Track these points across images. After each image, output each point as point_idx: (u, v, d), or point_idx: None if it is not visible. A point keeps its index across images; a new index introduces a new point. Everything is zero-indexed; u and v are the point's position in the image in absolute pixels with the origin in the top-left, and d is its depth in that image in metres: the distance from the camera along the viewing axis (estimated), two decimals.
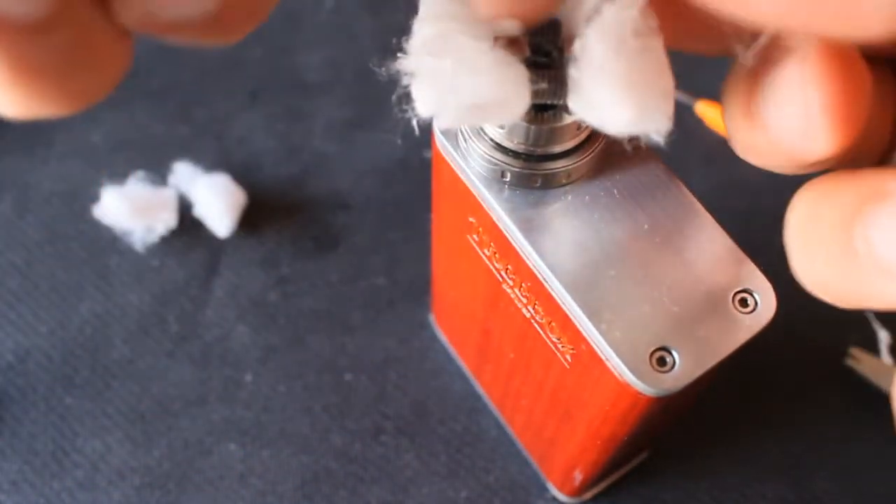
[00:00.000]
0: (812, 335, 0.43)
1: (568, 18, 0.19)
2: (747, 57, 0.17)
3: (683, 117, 0.48)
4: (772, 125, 0.18)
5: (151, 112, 0.49)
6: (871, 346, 0.42)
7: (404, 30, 0.19)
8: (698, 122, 0.47)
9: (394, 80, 0.19)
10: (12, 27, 0.13)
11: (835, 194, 0.17)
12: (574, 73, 0.18)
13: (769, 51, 0.17)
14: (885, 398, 0.41)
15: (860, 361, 0.42)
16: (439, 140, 0.25)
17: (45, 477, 0.39)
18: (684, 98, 0.48)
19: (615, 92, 0.18)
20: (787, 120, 0.17)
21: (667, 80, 0.18)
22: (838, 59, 0.16)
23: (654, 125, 0.18)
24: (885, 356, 0.42)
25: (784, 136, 0.18)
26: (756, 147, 0.19)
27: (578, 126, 0.22)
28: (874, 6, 0.14)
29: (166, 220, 0.45)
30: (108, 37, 0.15)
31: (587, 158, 0.23)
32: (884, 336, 0.42)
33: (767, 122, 0.18)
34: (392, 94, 0.19)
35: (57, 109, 0.15)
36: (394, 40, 0.19)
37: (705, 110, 0.47)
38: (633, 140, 0.19)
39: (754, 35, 0.17)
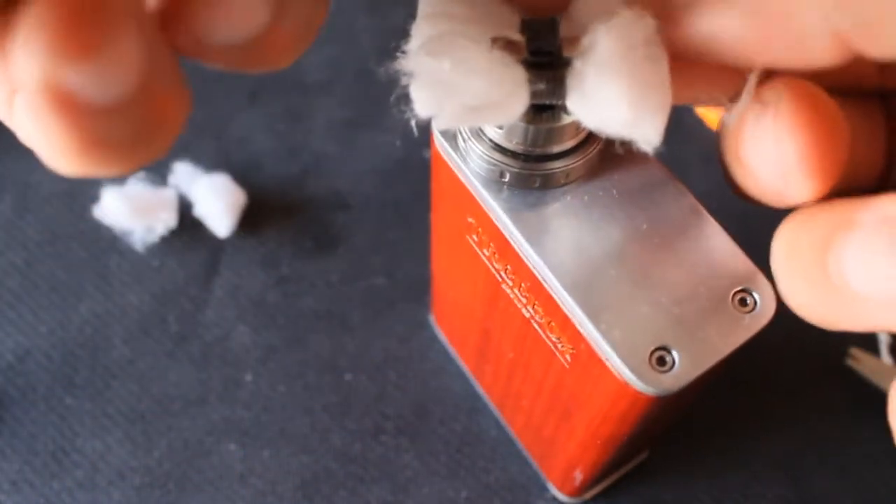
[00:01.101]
0: (812, 335, 0.42)
1: (572, 18, 0.20)
2: (731, 113, 0.19)
3: (683, 117, 0.48)
4: (757, 171, 0.19)
5: None
6: (871, 346, 0.42)
7: (404, 30, 0.19)
8: (698, 122, 0.47)
9: (394, 81, 0.19)
10: (91, 108, 0.13)
11: (810, 224, 0.18)
12: (578, 65, 0.19)
13: (751, 104, 0.19)
14: (885, 398, 0.41)
15: (860, 361, 0.42)
16: (438, 140, 0.25)
17: (45, 477, 0.39)
18: None
19: (617, 89, 0.18)
20: (768, 169, 0.19)
21: (665, 95, 0.18)
22: (811, 111, 0.18)
23: (646, 134, 0.18)
24: (885, 356, 0.42)
25: (768, 180, 0.19)
26: (747, 189, 0.20)
27: (577, 126, 0.22)
28: (816, 42, 0.16)
29: (166, 220, 0.45)
30: (174, 101, 0.15)
31: (586, 159, 0.23)
32: (884, 336, 0.42)
33: (753, 167, 0.19)
34: (392, 95, 0.19)
35: (115, 173, 0.15)
36: (393, 41, 0.19)
37: (705, 110, 0.47)
38: (626, 145, 0.19)
39: (737, 89, 0.19)
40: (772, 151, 0.18)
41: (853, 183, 0.20)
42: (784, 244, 0.19)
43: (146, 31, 0.13)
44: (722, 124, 0.20)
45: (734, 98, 0.19)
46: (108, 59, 0.13)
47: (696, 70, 0.19)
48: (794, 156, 0.18)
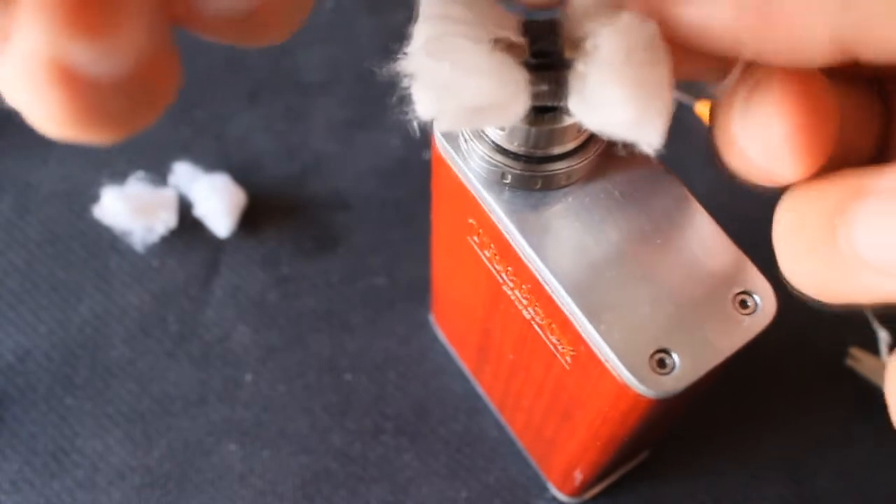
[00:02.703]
0: (812, 335, 0.43)
1: (573, 19, 0.19)
2: (720, 89, 0.19)
3: (683, 117, 0.47)
4: (746, 151, 0.19)
5: None
6: (871, 346, 0.42)
7: (404, 30, 0.19)
8: (698, 122, 0.47)
9: (394, 81, 0.19)
10: (92, 83, 0.13)
11: (817, 196, 0.18)
12: (580, 67, 0.18)
13: (740, 82, 0.18)
14: (886, 398, 0.41)
15: (860, 361, 0.42)
16: (439, 142, 0.25)
17: (45, 477, 0.39)
18: (684, 98, 0.48)
19: (619, 91, 0.18)
20: (756, 147, 0.18)
21: (666, 98, 0.18)
22: (800, 89, 0.18)
23: (648, 136, 0.18)
24: (885, 356, 0.42)
25: (757, 161, 0.19)
26: (737, 170, 0.20)
27: (578, 128, 0.22)
28: (811, 40, 0.16)
29: (166, 220, 0.44)
30: (167, 73, 0.15)
31: (587, 160, 0.23)
32: (884, 336, 0.42)
33: (742, 148, 0.19)
34: (392, 95, 0.19)
35: (104, 140, 0.15)
36: (393, 41, 0.19)
37: (705, 110, 0.47)
38: (628, 147, 0.19)
39: (727, 68, 0.19)
40: (760, 127, 0.18)
41: (843, 167, 0.20)
42: (787, 220, 0.19)
43: (153, 7, 0.13)
44: (713, 105, 0.20)
45: (726, 74, 0.19)
46: (116, 38, 0.13)
47: (686, 52, 0.19)
48: (780, 133, 0.18)
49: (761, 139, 0.18)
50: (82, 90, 0.13)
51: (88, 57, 0.13)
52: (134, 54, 0.13)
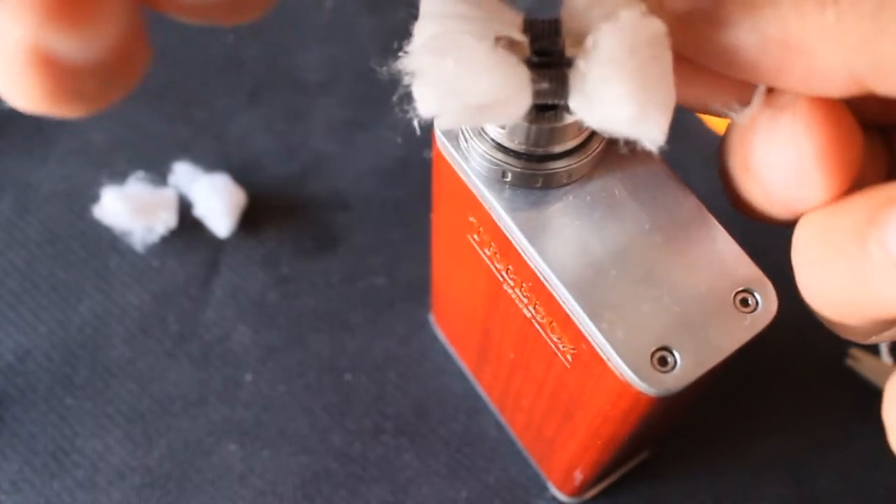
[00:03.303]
0: (812, 335, 0.42)
1: (574, 18, 0.20)
2: (743, 116, 0.19)
3: (684, 117, 0.47)
4: (767, 176, 0.19)
5: (151, 112, 0.49)
6: (872, 347, 0.42)
7: (405, 30, 0.19)
8: (698, 122, 0.47)
9: (394, 80, 0.19)
10: (70, 68, 0.14)
11: (846, 208, 0.18)
12: (582, 64, 0.18)
13: (763, 109, 0.19)
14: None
15: (860, 361, 0.42)
16: (440, 140, 0.25)
17: (45, 477, 0.39)
18: None
19: (621, 88, 0.18)
20: (782, 170, 0.19)
21: (669, 95, 0.18)
22: (827, 111, 0.18)
23: (650, 132, 0.18)
24: (885, 356, 0.42)
25: (779, 185, 0.19)
26: (752, 199, 0.20)
27: (579, 126, 0.22)
28: (830, 73, 0.17)
29: (166, 220, 0.44)
30: (139, 54, 0.15)
31: (588, 158, 0.23)
32: None
33: (763, 173, 0.19)
34: (392, 94, 0.19)
35: (74, 116, 0.15)
36: (394, 40, 0.19)
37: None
38: (630, 144, 0.19)
39: (748, 96, 0.19)
40: (789, 148, 0.18)
41: None
42: (812, 232, 0.19)
43: None
44: (727, 134, 0.20)
45: (744, 105, 0.19)
46: (96, 27, 0.13)
47: (708, 76, 0.19)
48: (812, 151, 0.18)
49: (788, 161, 0.18)
50: (59, 74, 0.14)
51: (69, 45, 0.13)
52: (111, 41, 0.14)
